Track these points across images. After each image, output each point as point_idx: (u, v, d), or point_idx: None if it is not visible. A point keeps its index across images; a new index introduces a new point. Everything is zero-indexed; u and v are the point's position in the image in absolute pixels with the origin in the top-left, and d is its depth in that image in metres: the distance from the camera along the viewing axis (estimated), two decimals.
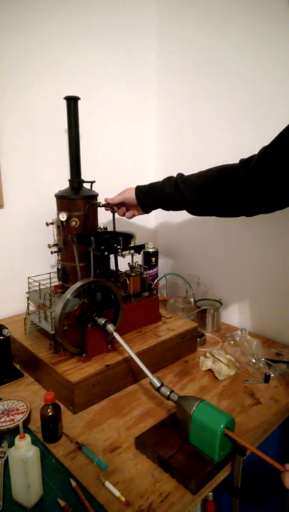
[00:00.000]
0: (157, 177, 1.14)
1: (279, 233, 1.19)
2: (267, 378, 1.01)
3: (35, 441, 0.77)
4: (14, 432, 0.78)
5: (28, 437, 0.64)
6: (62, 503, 0.65)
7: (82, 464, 0.74)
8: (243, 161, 0.93)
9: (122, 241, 1.05)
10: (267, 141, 0.85)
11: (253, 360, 1.07)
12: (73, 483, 0.69)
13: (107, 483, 0.69)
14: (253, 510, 1.04)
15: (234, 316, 1.36)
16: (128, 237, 1.08)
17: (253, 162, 0.88)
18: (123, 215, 1.16)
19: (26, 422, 0.83)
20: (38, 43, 1.15)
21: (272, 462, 0.67)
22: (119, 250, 1.05)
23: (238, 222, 1.14)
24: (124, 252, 1.07)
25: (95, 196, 1.08)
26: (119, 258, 1.09)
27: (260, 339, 1.16)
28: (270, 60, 1.12)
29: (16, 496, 0.65)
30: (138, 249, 1.12)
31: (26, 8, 1.10)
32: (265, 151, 0.85)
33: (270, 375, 1.02)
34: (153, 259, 1.47)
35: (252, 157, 0.90)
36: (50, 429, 0.78)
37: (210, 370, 1.05)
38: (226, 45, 1.22)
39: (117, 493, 0.67)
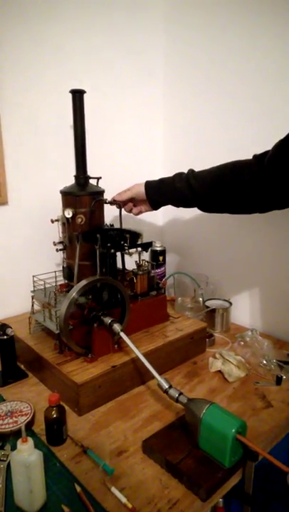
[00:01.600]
0: (164, 173, 1.12)
1: None
2: (279, 380, 0.98)
3: (38, 444, 0.76)
4: (17, 434, 0.76)
5: (30, 441, 0.61)
6: (66, 509, 0.62)
7: (88, 468, 0.72)
8: (256, 157, 0.91)
9: (129, 239, 1.02)
10: (276, 136, 0.83)
11: (264, 362, 1.05)
12: (78, 489, 0.66)
13: (113, 489, 0.66)
14: None
15: (244, 316, 1.34)
16: (135, 235, 1.06)
17: (267, 157, 0.86)
18: (130, 211, 1.14)
19: (30, 424, 0.81)
20: (44, 40, 1.14)
21: (278, 463, 0.65)
22: (126, 248, 1.02)
23: (248, 219, 1.12)
24: (131, 251, 1.04)
25: (101, 192, 1.05)
26: (127, 256, 1.06)
27: (271, 340, 1.13)
28: (275, 62, 1.11)
29: (18, 501, 0.63)
30: (145, 246, 1.09)
31: (31, 4, 1.09)
32: (280, 144, 0.83)
33: (281, 377, 0.99)
34: (160, 258, 1.45)
35: (266, 152, 0.88)
36: (55, 432, 0.76)
37: (219, 372, 1.02)
38: (237, 38, 1.20)
39: (124, 500, 0.64)
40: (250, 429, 0.78)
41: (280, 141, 0.83)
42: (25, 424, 0.77)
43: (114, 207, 1.11)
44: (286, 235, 1.18)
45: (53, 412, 0.76)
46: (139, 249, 1.08)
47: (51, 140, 1.21)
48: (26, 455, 0.60)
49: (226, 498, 0.82)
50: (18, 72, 1.11)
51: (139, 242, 1.06)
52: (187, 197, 1.02)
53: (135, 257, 1.10)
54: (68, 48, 1.20)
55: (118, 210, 1.10)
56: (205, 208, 1.03)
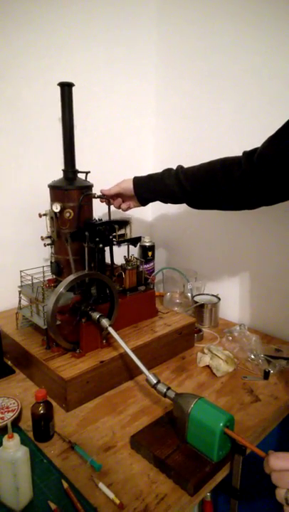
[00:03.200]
0: (155, 169, 1.11)
1: (278, 227, 1.17)
2: (266, 375, 0.99)
3: (25, 441, 0.75)
4: (3, 430, 0.74)
5: (16, 437, 0.60)
6: (53, 505, 0.62)
7: (75, 464, 0.71)
8: (246, 153, 0.91)
9: (118, 227, 1.02)
10: (268, 134, 0.83)
11: (252, 356, 1.05)
12: (65, 485, 0.65)
13: (101, 485, 0.66)
14: (249, 508, 1.02)
15: (232, 311, 1.34)
16: (124, 223, 1.05)
17: (257, 153, 0.86)
18: (119, 207, 1.13)
19: (17, 421, 0.80)
20: (33, 29, 1.11)
21: (255, 449, 0.65)
22: (115, 242, 1.02)
23: (237, 215, 1.12)
24: (119, 241, 1.04)
25: (89, 187, 1.04)
26: (116, 250, 1.06)
27: (258, 335, 1.13)
28: (272, 50, 1.09)
29: (3, 498, 0.62)
30: (134, 241, 1.09)
31: None
32: (270, 141, 0.83)
33: (269, 371, 0.99)
34: (150, 254, 1.45)
35: (255, 149, 0.88)
36: (42, 428, 0.75)
37: (208, 367, 1.03)
38: (228, 33, 1.19)
39: (111, 495, 0.64)
40: (238, 423, 0.78)
41: (270, 137, 0.83)
42: (11, 420, 0.76)
43: (103, 201, 1.10)
44: (275, 232, 1.18)
45: (40, 408, 0.75)
46: (128, 243, 1.07)
47: (39, 133, 1.19)
48: (12, 451, 0.59)
49: (214, 492, 0.82)
50: (4, 63, 1.08)
51: (128, 230, 1.06)
52: (176, 193, 1.01)
53: (124, 251, 1.09)
54: (58, 40, 1.17)
55: (106, 204, 1.09)
56: (194, 204, 1.03)
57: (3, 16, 1.06)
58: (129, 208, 1.13)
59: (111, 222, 1.03)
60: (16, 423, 0.80)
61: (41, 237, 1.06)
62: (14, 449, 0.60)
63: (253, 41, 1.13)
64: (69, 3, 1.18)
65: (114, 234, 1.04)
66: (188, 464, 0.69)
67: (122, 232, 1.08)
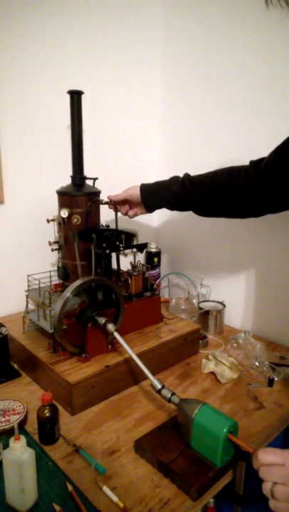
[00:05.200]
0: (160, 176, 1.12)
1: (283, 234, 1.17)
2: (270, 382, 0.99)
3: (31, 443, 0.76)
4: (9, 433, 0.76)
5: (23, 439, 0.61)
6: (57, 507, 0.62)
7: (80, 467, 0.72)
8: (253, 163, 0.92)
9: (124, 239, 1.03)
10: (275, 143, 0.84)
11: (257, 364, 1.05)
12: (70, 488, 0.66)
13: (105, 488, 0.66)
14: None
15: (237, 318, 1.34)
16: (130, 235, 1.06)
17: (264, 162, 0.87)
18: (126, 214, 1.15)
19: (23, 423, 0.81)
20: (42, 38, 1.14)
21: (245, 446, 0.66)
22: (121, 248, 1.03)
23: (242, 222, 1.12)
24: (126, 251, 1.05)
25: (97, 193, 1.06)
26: (122, 257, 1.07)
27: (263, 342, 1.13)
28: (277, 57, 1.10)
29: (9, 499, 0.62)
30: (140, 248, 1.10)
31: (30, 2, 1.09)
32: (277, 150, 0.84)
33: (273, 378, 0.99)
34: (155, 260, 1.46)
35: (262, 158, 0.89)
36: (47, 431, 0.76)
37: (212, 373, 1.03)
38: (233, 42, 1.20)
39: (115, 499, 0.64)
40: (241, 429, 0.78)
41: (277, 147, 0.84)
42: (17, 422, 0.77)
43: (110, 208, 1.12)
44: (280, 239, 1.18)
45: (46, 411, 0.76)
46: (134, 249, 1.08)
47: (48, 140, 1.21)
48: (19, 453, 0.60)
49: (218, 498, 0.82)
50: (14, 71, 1.11)
51: (134, 243, 1.07)
52: (182, 201, 1.02)
53: (130, 257, 1.10)
54: (66, 48, 1.20)
55: (114, 211, 1.11)
56: (200, 212, 1.04)
57: (17, 33, 1.09)
58: (136, 214, 1.14)
59: (118, 231, 1.04)
60: (21, 426, 0.80)
61: (49, 242, 1.07)
62: (20, 450, 0.60)
63: (259, 50, 1.14)
64: (79, 16, 1.20)
65: (121, 239, 1.05)
66: (191, 469, 0.69)
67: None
